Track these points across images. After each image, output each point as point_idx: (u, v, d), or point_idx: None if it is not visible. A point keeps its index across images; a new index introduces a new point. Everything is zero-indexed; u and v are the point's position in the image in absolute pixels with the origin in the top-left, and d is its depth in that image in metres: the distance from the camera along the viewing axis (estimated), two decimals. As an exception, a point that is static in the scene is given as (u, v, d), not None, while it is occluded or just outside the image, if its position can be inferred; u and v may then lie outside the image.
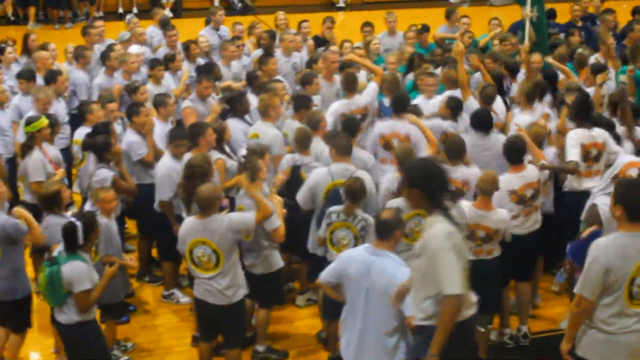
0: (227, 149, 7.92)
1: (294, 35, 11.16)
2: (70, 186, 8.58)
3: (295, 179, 7.37)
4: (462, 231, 5.00)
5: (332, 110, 8.49)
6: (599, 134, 7.34)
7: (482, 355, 6.93)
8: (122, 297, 7.05)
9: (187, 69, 10.40)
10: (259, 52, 10.79)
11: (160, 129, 8.24)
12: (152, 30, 12.16)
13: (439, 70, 9.70)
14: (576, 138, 7.28)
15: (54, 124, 7.99)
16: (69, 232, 5.94)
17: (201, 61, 10.69)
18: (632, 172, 6.61)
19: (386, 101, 8.77)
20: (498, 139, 7.70)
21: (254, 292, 6.68)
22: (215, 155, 7.52)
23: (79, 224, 5.94)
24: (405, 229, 6.01)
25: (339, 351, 5.85)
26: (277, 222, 6.62)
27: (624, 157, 6.94)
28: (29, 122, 7.76)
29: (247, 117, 8.68)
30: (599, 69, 9.32)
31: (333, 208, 6.71)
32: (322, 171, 7.11)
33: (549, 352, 6.94)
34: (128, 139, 8.13)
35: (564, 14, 13.60)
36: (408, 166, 5.21)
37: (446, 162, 7.14)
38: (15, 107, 9.13)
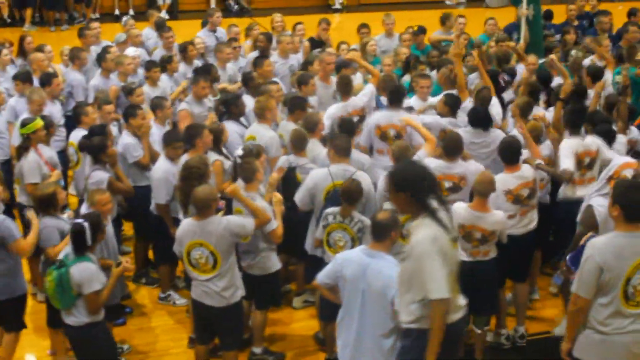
0: (224, 150, 7.92)
1: (291, 37, 11.16)
2: (65, 188, 8.56)
3: (290, 180, 7.37)
4: (451, 233, 4.94)
5: (329, 114, 8.50)
6: (593, 142, 7.32)
7: (478, 356, 6.93)
8: (119, 299, 7.03)
9: (184, 72, 10.40)
10: (255, 54, 10.79)
11: (158, 132, 8.23)
12: (147, 32, 12.16)
13: (434, 73, 9.73)
14: (569, 147, 7.25)
15: (49, 125, 7.98)
16: (77, 233, 5.95)
17: (198, 63, 10.69)
18: (627, 173, 6.62)
19: (383, 100, 8.78)
20: (497, 135, 7.72)
21: (251, 293, 6.68)
22: (213, 156, 7.53)
23: (86, 225, 5.95)
24: (401, 230, 6.01)
25: (335, 353, 5.84)
26: (274, 223, 6.62)
27: (619, 158, 6.96)
28: (24, 123, 7.75)
29: (242, 119, 8.68)
30: (595, 71, 9.33)
31: (329, 210, 6.71)
32: (321, 172, 7.11)
33: (546, 353, 6.98)
34: (124, 141, 8.12)
35: (560, 15, 13.63)
36: (392, 171, 5.13)
37: (444, 158, 7.17)
38: (11, 109, 9.12)
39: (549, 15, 13.13)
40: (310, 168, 7.38)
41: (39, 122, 7.72)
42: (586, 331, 5.24)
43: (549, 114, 8.31)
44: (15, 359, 6.80)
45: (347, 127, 7.74)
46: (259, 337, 7.05)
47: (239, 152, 7.17)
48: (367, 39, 11.40)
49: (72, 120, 8.76)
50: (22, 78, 9.48)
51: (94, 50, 10.90)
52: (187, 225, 6.28)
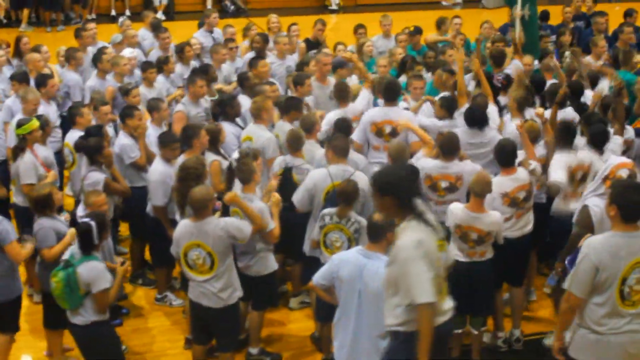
0: (221, 150, 7.92)
1: (288, 38, 11.16)
2: (61, 189, 8.55)
3: (287, 180, 7.36)
4: (439, 234, 4.88)
5: (327, 120, 8.45)
6: (585, 156, 7.23)
7: (475, 356, 6.94)
8: (115, 300, 7.02)
9: (181, 73, 10.39)
10: (252, 55, 10.78)
11: (154, 134, 8.20)
12: (143, 33, 12.13)
13: (429, 75, 9.73)
14: (562, 161, 7.17)
15: (44, 125, 7.97)
16: (85, 232, 5.98)
17: (194, 64, 10.68)
18: (623, 173, 6.62)
19: (381, 103, 8.77)
20: (494, 135, 7.71)
21: (248, 294, 6.67)
22: (210, 157, 7.52)
23: (93, 223, 5.96)
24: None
25: (332, 353, 5.84)
26: (271, 224, 6.62)
27: (614, 159, 6.96)
28: (20, 124, 7.73)
29: (238, 119, 8.68)
30: (592, 78, 9.34)
31: (326, 210, 6.71)
32: (320, 173, 7.11)
33: (542, 354, 6.99)
34: (121, 142, 8.11)
35: (556, 16, 13.64)
36: (375, 175, 5.05)
37: (440, 157, 7.17)
38: (7, 109, 9.11)
39: (545, 16, 13.15)
40: (306, 169, 7.38)
41: (35, 123, 7.71)
42: (582, 331, 5.25)
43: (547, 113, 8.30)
44: (11, 361, 6.82)
45: (343, 126, 7.74)
46: (256, 338, 7.05)
47: (235, 155, 7.16)
48: (364, 40, 11.39)
49: (68, 121, 8.75)
50: (19, 78, 9.47)
51: (91, 51, 10.89)
52: (184, 226, 6.27)
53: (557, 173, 7.10)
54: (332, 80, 9.51)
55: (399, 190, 4.79)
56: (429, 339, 4.72)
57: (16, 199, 7.84)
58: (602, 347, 5.19)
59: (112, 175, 7.54)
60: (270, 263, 6.88)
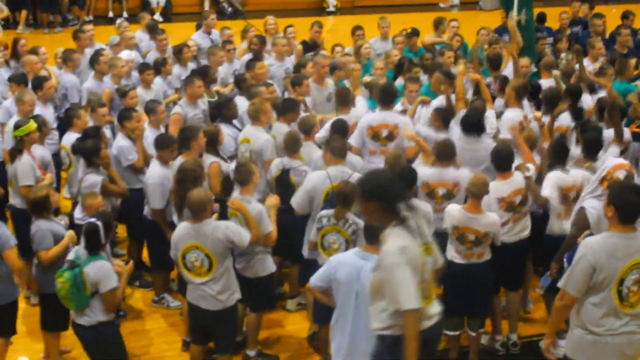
0: (220, 152, 7.91)
1: (287, 40, 11.16)
2: (58, 190, 8.54)
3: (284, 182, 7.36)
4: (422, 239, 4.82)
5: (328, 127, 8.44)
6: (578, 175, 7.14)
7: (472, 358, 6.94)
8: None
9: (178, 74, 10.39)
10: (249, 57, 10.79)
11: (152, 136, 8.18)
12: (139, 35, 12.14)
13: (425, 78, 9.73)
14: (554, 180, 7.07)
15: (42, 125, 7.96)
16: (91, 232, 5.99)
17: (192, 65, 10.68)
18: (620, 174, 6.62)
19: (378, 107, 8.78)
20: (489, 143, 7.70)
21: (246, 296, 6.66)
22: (210, 158, 7.51)
23: (100, 224, 5.97)
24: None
25: (329, 355, 5.84)
26: (269, 227, 6.62)
27: (611, 160, 6.95)
28: (17, 126, 7.73)
29: (235, 121, 8.67)
30: (588, 86, 9.34)
31: (324, 212, 6.70)
32: (319, 174, 7.10)
33: (540, 355, 6.98)
34: (118, 143, 8.11)
35: (553, 18, 13.66)
36: (360, 180, 5.03)
37: (437, 164, 7.17)
38: (5, 110, 9.10)
39: (541, 18, 13.17)
40: (303, 170, 7.38)
41: (32, 125, 7.70)
42: (579, 332, 5.25)
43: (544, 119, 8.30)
44: (9, 363, 6.81)
45: (340, 127, 7.74)
46: (253, 340, 7.04)
47: (234, 164, 7.16)
48: (362, 42, 11.41)
49: (65, 123, 8.74)
50: (17, 80, 9.47)
51: (88, 52, 10.88)
52: (182, 229, 6.27)
53: (548, 190, 7.01)
54: (329, 82, 9.53)
55: (384, 196, 4.78)
56: (416, 344, 4.69)
57: (13, 200, 7.84)
58: (599, 348, 5.19)
59: (110, 177, 7.53)
60: (268, 265, 6.88)
